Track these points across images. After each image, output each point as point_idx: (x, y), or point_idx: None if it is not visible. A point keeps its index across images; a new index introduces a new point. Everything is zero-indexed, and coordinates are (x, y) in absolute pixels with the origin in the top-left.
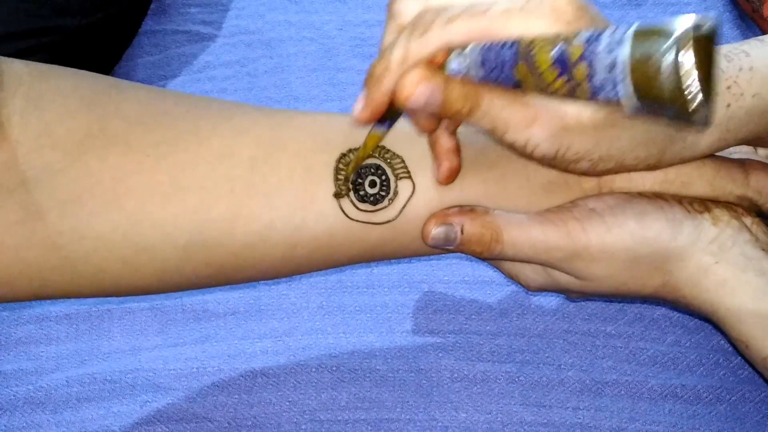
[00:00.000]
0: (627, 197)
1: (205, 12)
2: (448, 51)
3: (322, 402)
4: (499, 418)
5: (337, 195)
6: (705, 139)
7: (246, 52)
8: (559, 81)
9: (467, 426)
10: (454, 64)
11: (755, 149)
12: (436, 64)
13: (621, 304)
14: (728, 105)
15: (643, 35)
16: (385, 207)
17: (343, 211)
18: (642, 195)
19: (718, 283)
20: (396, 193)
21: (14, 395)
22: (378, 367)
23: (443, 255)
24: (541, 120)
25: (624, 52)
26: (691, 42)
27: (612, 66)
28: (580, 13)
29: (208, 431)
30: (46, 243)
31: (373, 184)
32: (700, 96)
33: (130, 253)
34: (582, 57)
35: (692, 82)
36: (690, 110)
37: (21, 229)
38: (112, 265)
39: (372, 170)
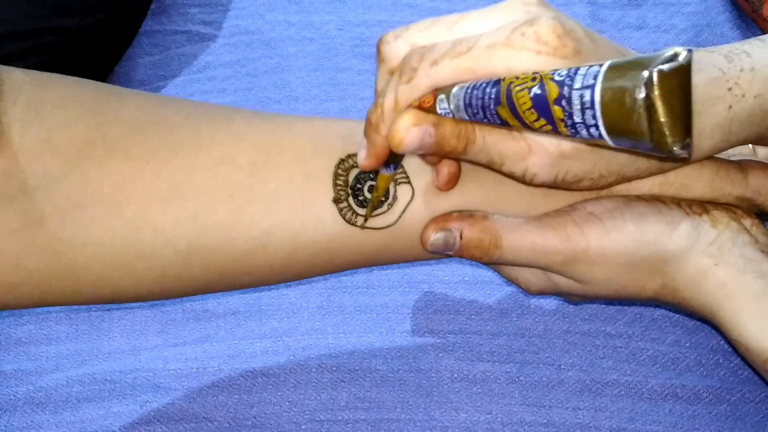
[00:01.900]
0: (626, 200)
1: (205, 12)
2: (436, 92)
3: (322, 402)
4: (499, 418)
5: (337, 200)
6: (707, 142)
7: (246, 52)
8: (540, 122)
9: (467, 426)
10: (441, 107)
11: (755, 151)
12: (427, 107)
13: (621, 304)
14: (730, 107)
15: (614, 71)
16: (384, 212)
17: (342, 216)
18: (640, 198)
19: (717, 285)
20: (395, 198)
21: (14, 395)
22: (378, 367)
23: (443, 259)
24: (536, 151)
25: (596, 92)
26: (660, 79)
27: (585, 106)
28: (563, 41)
29: (208, 431)
30: (47, 250)
31: (372, 189)
32: (673, 132)
33: (130, 259)
34: (557, 99)
35: (664, 119)
36: (665, 147)
37: (22, 236)
38: (113, 271)
39: (371, 175)
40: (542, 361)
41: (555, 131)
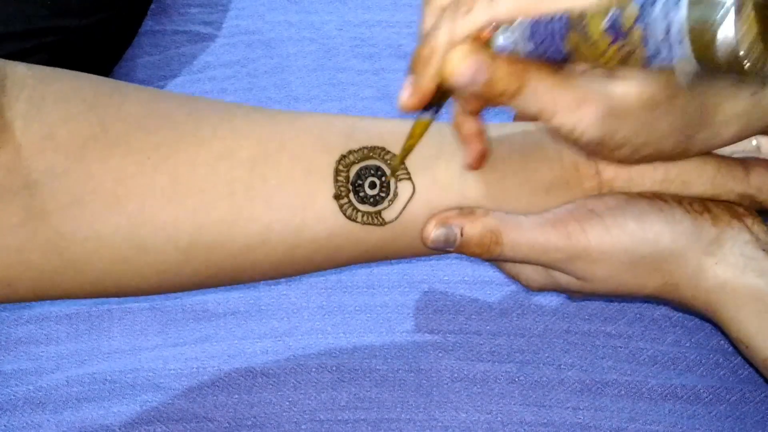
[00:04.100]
0: (627, 198)
1: (205, 12)
2: (495, 28)
3: (322, 402)
4: (499, 418)
5: (337, 196)
6: (731, 129)
7: (246, 52)
8: (613, 48)
9: (467, 426)
10: (501, 39)
11: (759, 148)
12: (483, 42)
13: (621, 304)
14: (754, 92)
15: None
16: (385, 208)
17: (343, 212)
18: (641, 195)
19: (717, 283)
20: (396, 194)
21: (14, 395)
22: (378, 367)
23: (443, 254)
24: (589, 101)
25: (681, 15)
26: (749, 2)
27: (668, 29)
28: None
29: (208, 431)
30: (49, 245)
31: (372, 186)
32: (757, 56)
33: (131, 254)
34: (637, 21)
35: (750, 44)
36: (748, 70)
37: (23, 231)
38: (114, 266)
39: (372, 171)
40: (542, 361)
41: (625, 60)
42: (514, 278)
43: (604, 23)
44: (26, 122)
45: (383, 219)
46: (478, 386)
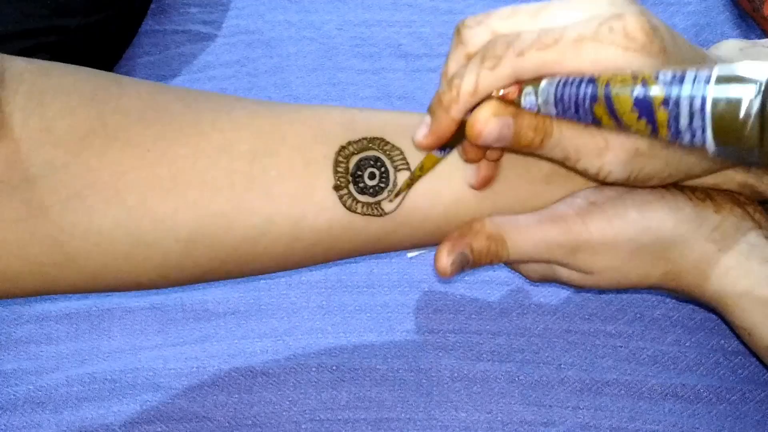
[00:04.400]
0: (627, 188)
1: (205, 12)
2: (519, 82)
3: (322, 401)
4: (499, 418)
5: (337, 187)
6: None
7: (246, 52)
8: (641, 122)
9: (467, 425)
10: (528, 101)
11: None
12: (510, 98)
13: (621, 303)
14: None
15: (725, 80)
16: (385, 199)
17: (342, 203)
18: None
19: (721, 270)
20: (395, 184)
21: (14, 395)
22: (378, 367)
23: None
24: (613, 148)
25: (707, 99)
26: None
27: (694, 113)
28: (650, 38)
29: (208, 431)
30: (49, 239)
31: (372, 176)
32: None
33: (131, 247)
34: (664, 102)
35: None
36: None
37: (23, 225)
38: (114, 259)
39: (371, 162)
40: (542, 361)
41: (653, 133)
42: (515, 270)
43: (632, 99)
44: (25, 116)
45: (383, 209)
46: (478, 386)
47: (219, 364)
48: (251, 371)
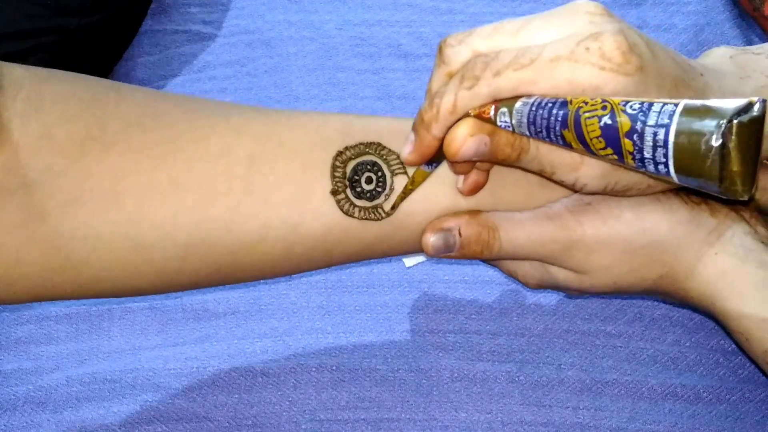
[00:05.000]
0: None
1: (205, 12)
2: (496, 101)
3: (322, 401)
4: (499, 418)
5: (335, 192)
6: None
7: (246, 51)
8: (606, 150)
9: (467, 426)
10: (502, 120)
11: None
12: (486, 117)
13: (621, 303)
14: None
15: (690, 114)
16: (382, 203)
17: (340, 207)
18: None
19: (717, 274)
20: (392, 188)
21: (14, 395)
22: (378, 367)
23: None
24: (588, 163)
25: (670, 132)
26: (737, 129)
27: (657, 145)
28: (627, 57)
29: (208, 431)
30: (47, 244)
31: (369, 181)
32: (744, 181)
33: (130, 252)
34: (628, 133)
35: (737, 169)
36: (734, 194)
37: (22, 230)
38: (113, 265)
39: (368, 167)
40: (542, 361)
41: (620, 161)
42: (512, 275)
43: (600, 126)
44: (24, 122)
45: (380, 213)
46: (478, 386)
47: (219, 364)
48: (251, 371)
